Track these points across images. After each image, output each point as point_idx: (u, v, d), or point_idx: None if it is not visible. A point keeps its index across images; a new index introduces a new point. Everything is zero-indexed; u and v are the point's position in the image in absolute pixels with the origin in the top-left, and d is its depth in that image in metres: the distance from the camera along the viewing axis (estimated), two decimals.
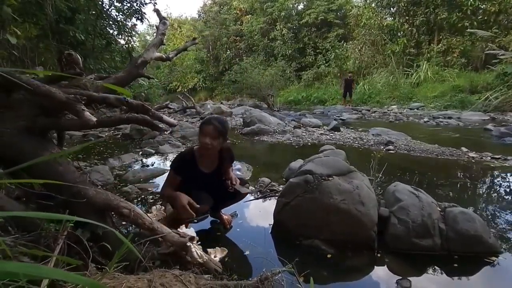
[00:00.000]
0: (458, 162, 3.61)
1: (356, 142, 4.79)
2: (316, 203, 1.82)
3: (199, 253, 1.20)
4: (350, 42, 17.20)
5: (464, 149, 4.08)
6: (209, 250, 1.38)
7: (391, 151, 4.21)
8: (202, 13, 27.89)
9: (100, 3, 9.57)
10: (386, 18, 15.55)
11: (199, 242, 1.36)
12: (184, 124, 7.42)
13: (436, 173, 3.27)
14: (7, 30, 1.82)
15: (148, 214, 1.26)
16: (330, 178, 1.89)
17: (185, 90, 23.20)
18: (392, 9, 15.56)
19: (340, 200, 1.78)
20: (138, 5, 10.84)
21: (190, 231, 1.46)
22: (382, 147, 4.46)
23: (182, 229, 1.44)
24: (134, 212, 1.16)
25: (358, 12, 16.52)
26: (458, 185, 2.89)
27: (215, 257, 1.36)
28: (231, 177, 1.93)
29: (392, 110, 10.60)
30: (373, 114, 9.88)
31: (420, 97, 11.89)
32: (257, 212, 2.35)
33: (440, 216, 1.79)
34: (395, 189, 1.96)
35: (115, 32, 10.36)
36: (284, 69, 17.12)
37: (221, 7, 25.07)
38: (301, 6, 20.81)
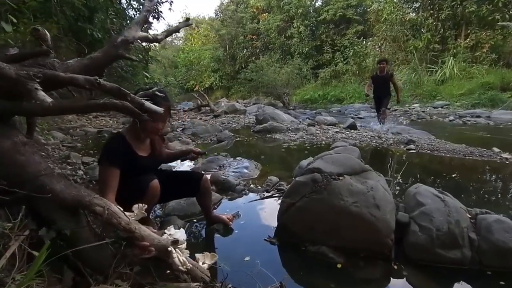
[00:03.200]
0: (489, 164, 3.26)
1: (374, 141, 4.49)
2: (324, 205, 1.62)
3: (181, 260, 1.04)
4: (370, 38, 16.58)
5: (495, 149, 3.70)
6: (197, 255, 1.22)
7: (413, 151, 3.90)
8: (219, 12, 27.95)
9: (118, 1, 9.71)
10: (409, 12, 14.84)
11: (185, 246, 1.20)
12: (196, 121, 7.37)
13: (464, 175, 2.96)
14: (3, 18, 1.76)
15: (128, 213, 1.12)
16: (340, 178, 1.68)
17: (202, 89, 23.36)
18: (415, 3, 14.82)
19: (351, 203, 1.57)
20: (154, 3, 10.95)
21: (180, 233, 1.31)
22: (402, 146, 4.14)
23: (170, 230, 1.29)
24: (109, 210, 1.02)
25: (379, 7, 15.88)
26: (490, 189, 2.57)
27: (203, 263, 1.19)
28: (190, 149, 1.83)
29: (414, 108, 10.05)
30: (393, 113, 9.40)
31: (445, 95, 11.22)
32: (261, 213, 2.17)
33: (470, 224, 1.54)
34: (417, 191, 1.71)
35: None
36: (301, 67, 16.78)
37: (238, 5, 25.00)
38: (319, 3, 20.35)
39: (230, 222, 1.92)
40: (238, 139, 5.26)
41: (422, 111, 9.24)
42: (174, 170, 2.02)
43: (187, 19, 1.32)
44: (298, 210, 1.69)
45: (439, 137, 4.70)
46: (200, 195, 1.81)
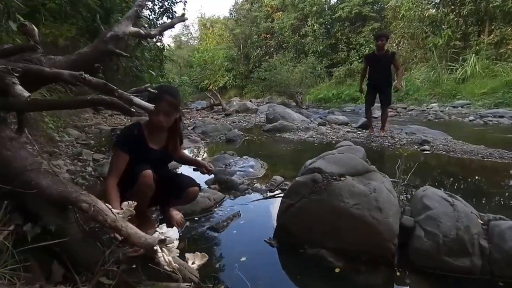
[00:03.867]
0: (510, 166, 3.06)
1: (386, 141, 4.34)
2: (324, 206, 1.55)
3: (167, 259, 1.01)
4: None
5: None
6: (187, 255, 1.19)
7: (427, 152, 3.73)
8: (234, 11, 28.04)
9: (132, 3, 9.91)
10: (428, 8, 14.29)
11: (176, 245, 1.18)
12: (207, 120, 7.40)
13: (481, 178, 2.79)
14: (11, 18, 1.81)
15: (116, 211, 1.11)
16: (342, 178, 1.61)
17: (216, 88, 23.51)
18: None
19: (352, 204, 1.50)
20: (169, 4, 11.09)
21: (172, 232, 1.29)
22: (416, 146, 3.98)
23: (162, 229, 1.27)
24: (95, 207, 1.01)
25: (397, 4, 15.39)
26: (509, 194, 2.41)
27: (193, 264, 1.17)
28: (203, 164, 1.82)
29: (432, 108, 9.67)
30: (409, 113, 9.11)
31: (466, 94, 10.73)
32: (262, 213, 2.13)
33: (482, 230, 1.43)
34: (424, 194, 1.62)
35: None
36: (314, 66, 16.55)
37: (252, 4, 25.00)
38: (334, 0, 20.00)
39: (178, 229, 1.87)
40: (247, 138, 5.23)
41: (441, 111, 8.87)
42: (176, 172, 2.03)
43: (182, 15, 1.30)
44: (297, 211, 1.64)
45: (456, 137, 4.48)
46: (180, 200, 1.79)
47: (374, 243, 1.46)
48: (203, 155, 4.17)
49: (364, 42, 16.76)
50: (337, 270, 1.43)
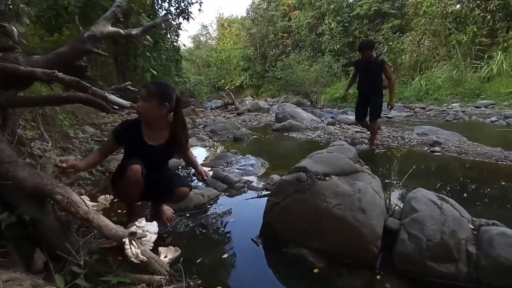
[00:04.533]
0: None
1: (396, 142, 4.20)
2: (307, 206, 1.54)
3: (134, 252, 1.05)
4: (407, 33, 15.53)
5: None
6: (160, 249, 1.23)
7: (437, 153, 3.57)
8: (251, 11, 28.09)
9: (149, 3, 10.16)
10: (452, 4, 13.62)
11: (152, 239, 1.21)
12: (218, 119, 7.48)
13: (490, 181, 2.65)
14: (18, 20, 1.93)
15: (92, 203, 1.16)
16: (327, 178, 1.59)
17: (232, 87, 23.68)
18: None
19: (335, 205, 1.47)
20: (185, 5, 11.31)
21: (150, 226, 1.32)
22: (426, 148, 3.82)
23: (141, 223, 1.31)
24: (69, 199, 1.06)
25: (418, 0, 14.80)
26: None
27: (165, 257, 1.19)
28: (200, 171, 1.83)
29: (452, 108, 9.22)
30: (427, 113, 8.74)
31: (491, 94, 10.13)
32: (253, 211, 2.12)
33: (471, 236, 1.36)
34: (413, 196, 1.56)
35: (163, 32, 10.93)
36: (331, 65, 16.26)
37: (269, 3, 24.92)
38: None
39: (168, 225, 1.87)
40: (255, 137, 5.24)
41: (462, 111, 8.44)
42: (174, 171, 2.09)
43: (165, 14, 1.33)
44: (281, 209, 1.63)
45: (472, 139, 4.25)
46: (171, 199, 1.82)
47: (356, 245, 1.43)
48: (207, 154, 4.22)
49: (383, 40, 16.23)
50: (315, 270, 1.42)
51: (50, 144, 3.43)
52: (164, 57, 11.05)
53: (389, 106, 3.93)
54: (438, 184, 2.53)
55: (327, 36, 18.74)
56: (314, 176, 1.59)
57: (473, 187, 2.51)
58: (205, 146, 4.68)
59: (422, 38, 14.48)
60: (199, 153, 4.08)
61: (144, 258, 1.07)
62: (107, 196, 1.21)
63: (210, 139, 5.06)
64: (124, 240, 1.06)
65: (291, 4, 22.97)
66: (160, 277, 1.17)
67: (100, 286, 1.05)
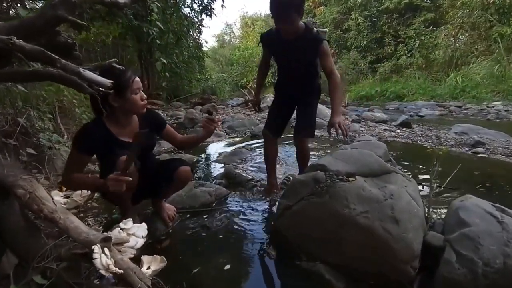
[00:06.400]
0: None
1: (429, 141, 3.76)
2: (324, 211, 1.27)
3: (104, 262, 0.84)
4: (442, 27, 14.46)
5: None
6: (143, 258, 1.02)
7: (481, 155, 3.12)
8: None
9: (172, 1, 10.20)
10: None
11: (137, 244, 1.02)
12: (237, 115, 7.30)
13: None
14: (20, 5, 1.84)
15: (64, 200, 0.97)
16: (350, 179, 1.31)
17: (254, 85, 23.51)
18: None
19: (359, 212, 1.19)
20: (208, 1, 11.27)
21: (138, 228, 1.13)
22: (467, 149, 3.37)
23: (127, 224, 1.11)
24: (32, 194, 0.88)
25: None
26: None
27: (148, 268, 0.99)
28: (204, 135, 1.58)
29: (493, 106, 8.37)
30: (464, 111, 7.99)
31: None
32: (265, 214, 1.89)
33: None
34: (461, 205, 1.24)
35: (185, 29, 10.95)
36: (356, 62, 15.55)
37: None
38: None
39: (169, 224, 1.66)
40: None
41: (505, 110, 7.62)
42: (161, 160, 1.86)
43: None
44: (293, 214, 1.37)
45: None
46: (172, 185, 1.61)
47: (386, 263, 1.14)
48: (222, 150, 4.03)
49: (414, 35, 15.25)
50: None
51: (66, 136, 3.40)
52: (186, 54, 11.08)
53: (330, 126, 1.76)
54: (485, 192, 2.14)
55: (353, 31, 17.98)
56: (335, 176, 1.32)
57: None
58: (220, 142, 4.50)
59: (459, 32, 13.42)
60: (214, 149, 3.91)
61: (117, 270, 0.86)
62: (84, 192, 1.02)
63: (226, 135, 4.88)
64: (93, 247, 0.86)
65: (316, 0, 22.36)
66: None
67: None
